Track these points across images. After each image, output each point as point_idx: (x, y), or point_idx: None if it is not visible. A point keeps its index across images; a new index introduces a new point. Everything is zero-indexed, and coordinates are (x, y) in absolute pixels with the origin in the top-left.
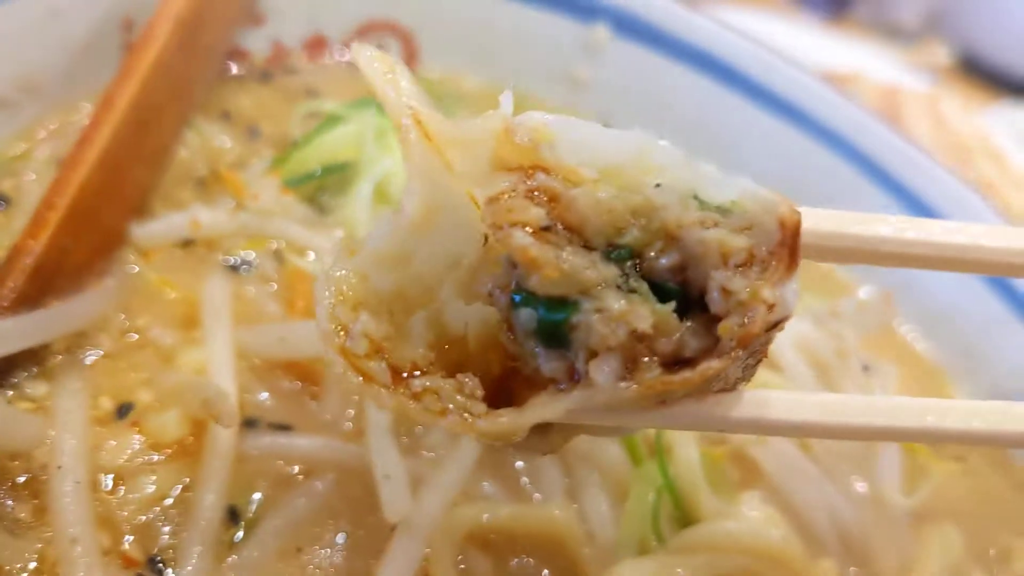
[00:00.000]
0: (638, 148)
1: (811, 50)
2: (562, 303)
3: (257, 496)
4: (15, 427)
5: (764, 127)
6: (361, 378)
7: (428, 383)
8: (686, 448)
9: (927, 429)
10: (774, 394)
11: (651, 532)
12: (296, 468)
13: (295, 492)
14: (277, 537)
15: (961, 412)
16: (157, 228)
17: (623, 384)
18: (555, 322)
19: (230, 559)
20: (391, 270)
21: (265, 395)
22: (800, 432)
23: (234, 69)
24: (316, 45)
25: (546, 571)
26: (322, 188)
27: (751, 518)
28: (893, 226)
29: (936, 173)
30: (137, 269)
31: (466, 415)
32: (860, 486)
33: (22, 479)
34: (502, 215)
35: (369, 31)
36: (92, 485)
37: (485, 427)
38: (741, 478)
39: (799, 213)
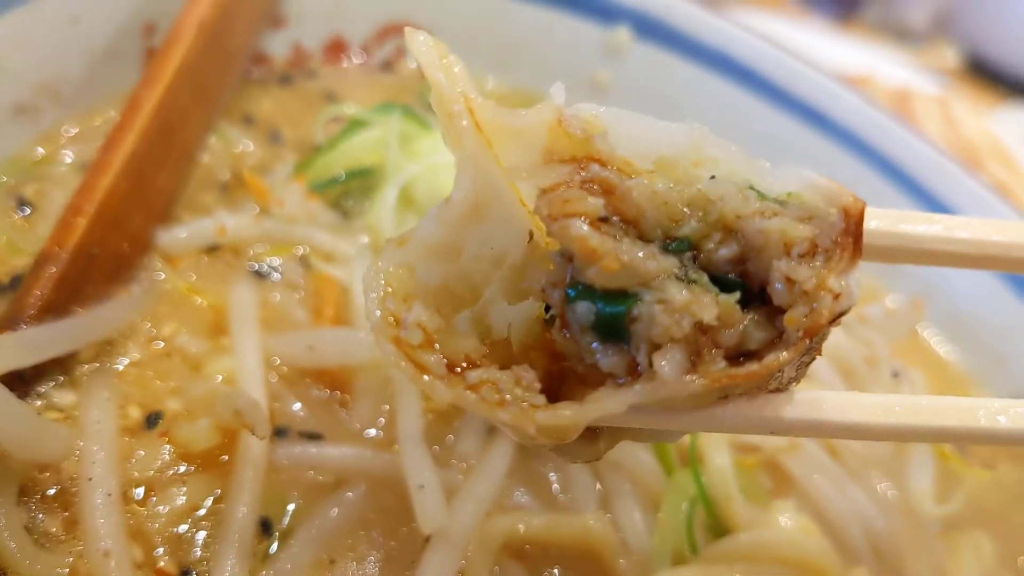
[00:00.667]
0: (691, 140)
1: (821, 52)
2: (621, 295)
3: (289, 507)
4: (45, 438)
5: (786, 130)
6: (417, 369)
7: (485, 375)
8: (719, 457)
9: (985, 429)
10: (827, 395)
11: (685, 541)
12: (328, 478)
13: (327, 503)
14: (310, 549)
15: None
16: (183, 234)
17: (688, 377)
18: (615, 315)
19: (264, 573)
20: (438, 263)
21: (294, 404)
22: (855, 433)
23: (254, 73)
24: (335, 48)
25: None
26: (346, 193)
27: (787, 528)
28: (942, 224)
29: (956, 176)
30: (163, 276)
31: (526, 407)
32: (891, 493)
33: (52, 491)
34: (558, 206)
35: (389, 33)
36: (123, 497)
37: (545, 420)
38: (773, 487)
39: (863, 202)
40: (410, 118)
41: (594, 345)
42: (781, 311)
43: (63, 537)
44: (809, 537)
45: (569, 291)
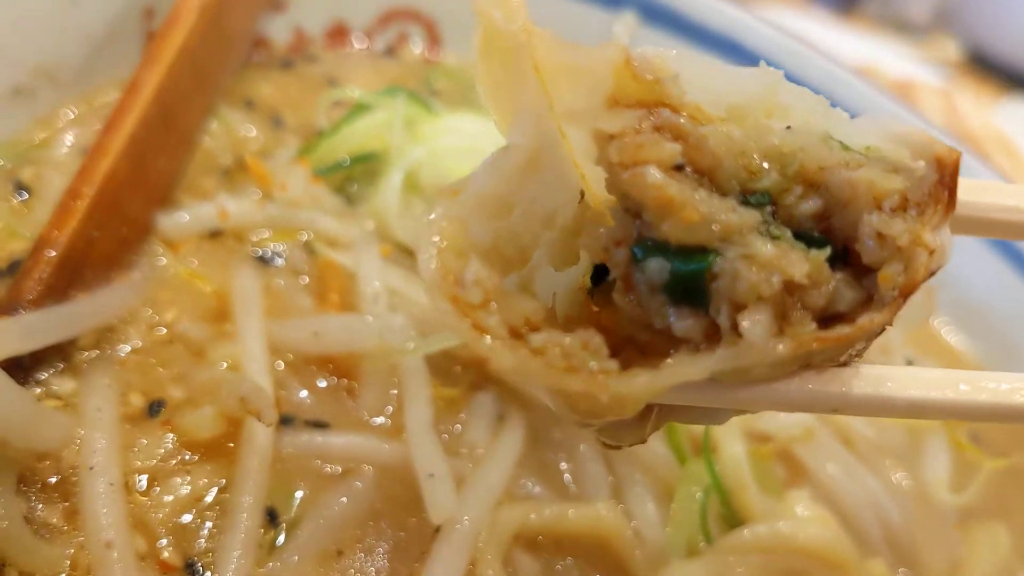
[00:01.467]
0: (764, 86)
1: (823, 43)
2: (698, 252)
3: (296, 497)
4: (44, 426)
5: None
6: (477, 331)
7: (549, 338)
8: (733, 445)
9: None
10: (892, 370)
11: (699, 532)
12: (335, 467)
13: (334, 492)
14: (317, 540)
15: None
16: (184, 219)
17: (776, 341)
18: (694, 272)
19: (270, 564)
20: (490, 219)
21: (300, 392)
22: (921, 411)
23: (255, 57)
24: (337, 33)
25: (597, 575)
26: (350, 178)
27: (803, 518)
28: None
29: (968, 163)
30: (164, 261)
31: (598, 373)
32: (906, 483)
33: (52, 481)
34: (631, 152)
35: (391, 18)
36: (125, 487)
37: (618, 387)
38: (786, 476)
39: (958, 151)
40: (415, 102)
41: (666, 308)
42: (868, 270)
43: (64, 528)
44: (826, 527)
45: (636, 249)
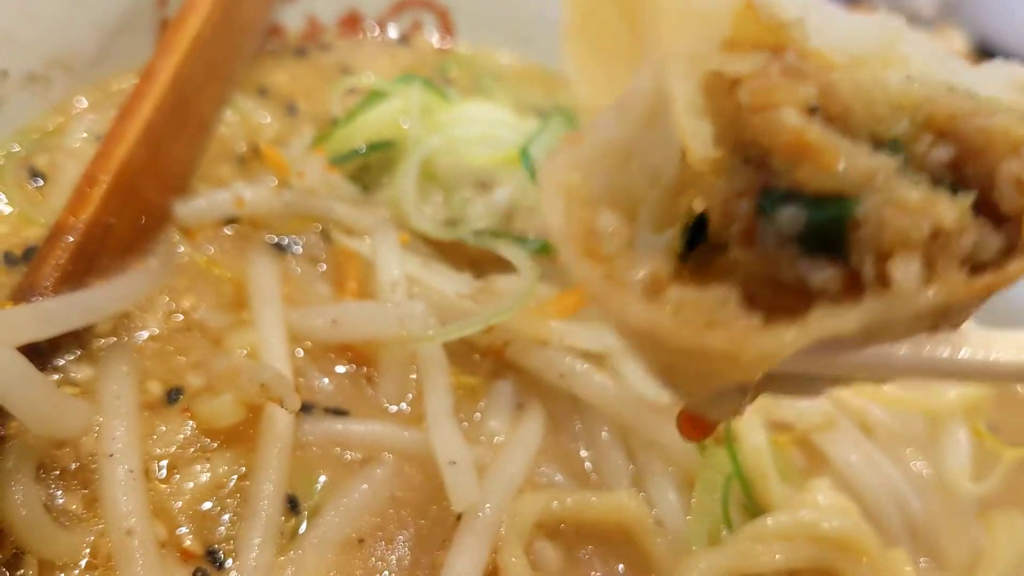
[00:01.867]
0: (885, 35)
1: None
2: (833, 200)
3: (316, 485)
4: (64, 413)
5: None
6: (612, 286)
7: (685, 294)
8: (754, 434)
9: None
10: (998, 334)
11: (721, 520)
12: (355, 455)
13: (355, 480)
14: (338, 528)
15: None
16: (200, 206)
17: (927, 288)
18: (834, 219)
19: (292, 552)
20: (612, 170)
21: (319, 379)
22: None
23: (268, 45)
24: (350, 21)
25: (621, 565)
26: (366, 166)
27: (825, 506)
28: None
29: None
30: (181, 248)
31: (741, 328)
32: (926, 472)
33: (71, 468)
34: (762, 95)
35: (404, 6)
36: (145, 474)
37: (764, 342)
38: (806, 465)
39: None
40: (430, 90)
41: (800, 260)
42: (1004, 219)
43: (83, 515)
44: (848, 516)
45: (762, 200)
